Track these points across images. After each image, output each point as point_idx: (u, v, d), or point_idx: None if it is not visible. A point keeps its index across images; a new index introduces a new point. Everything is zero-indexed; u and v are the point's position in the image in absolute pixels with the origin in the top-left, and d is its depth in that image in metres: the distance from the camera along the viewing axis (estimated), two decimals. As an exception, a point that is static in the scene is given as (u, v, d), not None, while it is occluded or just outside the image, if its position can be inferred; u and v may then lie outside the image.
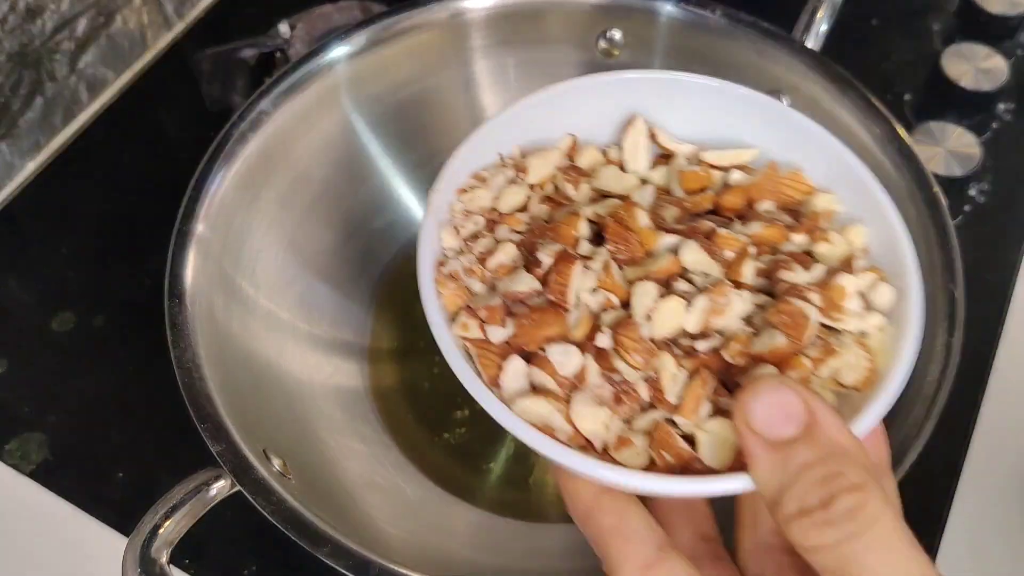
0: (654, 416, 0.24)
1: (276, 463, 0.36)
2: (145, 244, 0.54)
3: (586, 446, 0.24)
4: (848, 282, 0.25)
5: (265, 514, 0.33)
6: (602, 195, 0.29)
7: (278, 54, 0.59)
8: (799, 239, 0.26)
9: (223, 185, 0.42)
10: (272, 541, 0.42)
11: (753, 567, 0.25)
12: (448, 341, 0.24)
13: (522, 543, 0.42)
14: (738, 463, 0.23)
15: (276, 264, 0.45)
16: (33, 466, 0.46)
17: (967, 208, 0.54)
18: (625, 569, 0.23)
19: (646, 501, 0.25)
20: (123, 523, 0.44)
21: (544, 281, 0.25)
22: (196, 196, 0.41)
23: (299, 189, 0.47)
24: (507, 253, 0.26)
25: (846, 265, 0.26)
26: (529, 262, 0.26)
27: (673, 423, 0.24)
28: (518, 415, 0.23)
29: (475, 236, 0.27)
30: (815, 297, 0.24)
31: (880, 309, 0.25)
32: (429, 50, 0.48)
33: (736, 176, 0.29)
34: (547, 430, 0.23)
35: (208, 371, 0.37)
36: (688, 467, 0.23)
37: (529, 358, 0.24)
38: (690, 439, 0.23)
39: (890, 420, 0.36)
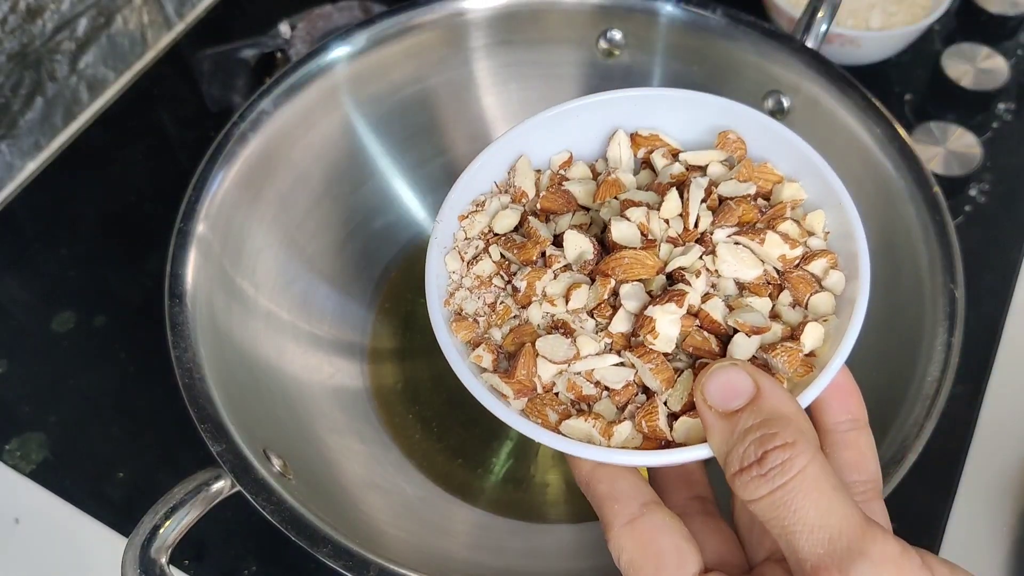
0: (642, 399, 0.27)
1: (276, 463, 0.36)
2: (145, 244, 0.54)
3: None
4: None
5: (265, 514, 0.33)
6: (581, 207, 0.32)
7: (278, 54, 0.59)
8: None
9: (223, 185, 0.42)
10: (272, 541, 0.42)
11: (744, 519, 0.28)
12: (463, 368, 0.28)
13: (522, 543, 0.42)
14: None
15: (276, 264, 0.45)
16: (33, 466, 0.46)
17: (967, 208, 0.54)
18: (614, 526, 0.26)
19: (649, 471, 0.28)
20: (123, 523, 0.44)
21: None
22: (196, 196, 0.41)
23: (299, 189, 0.47)
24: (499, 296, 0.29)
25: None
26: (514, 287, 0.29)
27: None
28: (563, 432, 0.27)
29: (475, 259, 0.30)
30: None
31: (831, 290, 0.28)
32: (429, 50, 0.48)
33: (714, 169, 0.31)
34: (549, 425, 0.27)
35: (208, 371, 0.37)
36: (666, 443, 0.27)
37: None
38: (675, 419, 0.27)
39: (890, 420, 0.36)
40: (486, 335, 0.29)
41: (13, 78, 0.54)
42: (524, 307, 0.29)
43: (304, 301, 0.46)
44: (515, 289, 0.29)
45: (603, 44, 0.49)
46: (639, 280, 0.28)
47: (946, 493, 0.44)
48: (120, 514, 0.45)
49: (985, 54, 0.59)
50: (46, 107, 0.57)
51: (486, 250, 0.30)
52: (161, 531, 0.32)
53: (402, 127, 0.50)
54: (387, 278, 0.51)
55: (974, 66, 0.59)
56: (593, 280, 0.28)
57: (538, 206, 0.31)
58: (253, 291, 0.43)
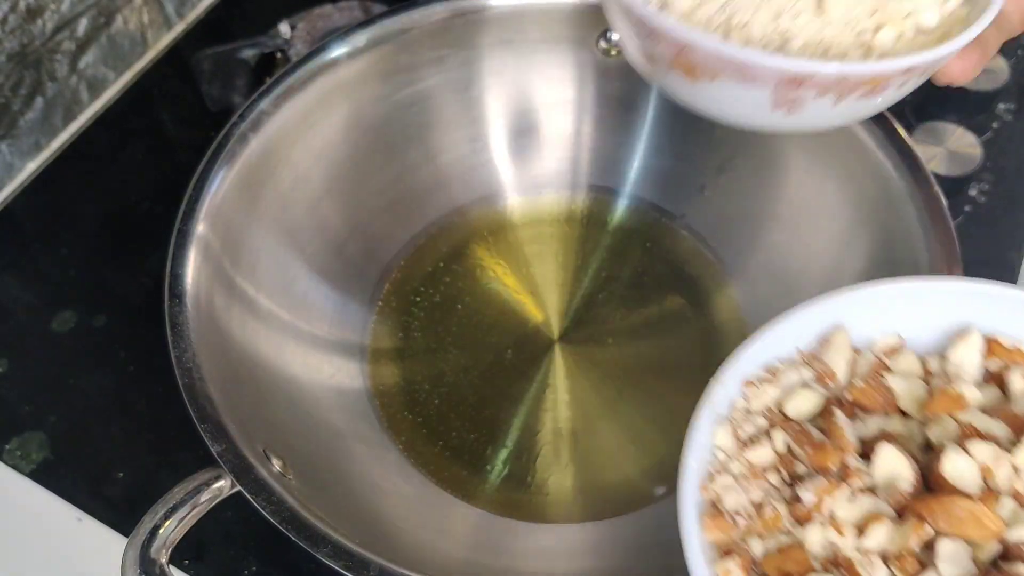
0: None
1: (276, 463, 0.36)
2: (145, 244, 0.54)
3: None
4: None
5: (265, 514, 0.33)
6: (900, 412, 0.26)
7: (278, 54, 0.59)
8: None
9: (223, 185, 0.42)
10: (272, 541, 0.42)
11: None
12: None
13: (522, 543, 0.42)
14: None
15: (276, 264, 0.45)
16: (33, 466, 0.46)
17: (967, 208, 0.54)
18: None
19: None
20: (123, 523, 0.44)
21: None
22: (196, 196, 0.41)
23: (299, 189, 0.47)
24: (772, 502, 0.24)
25: None
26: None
27: None
28: None
29: (752, 440, 0.25)
30: None
31: None
32: (429, 50, 0.48)
33: None
34: None
35: (208, 371, 0.37)
36: None
37: None
38: None
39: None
40: (743, 542, 0.24)
41: (13, 78, 0.54)
42: (801, 524, 0.23)
43: (304, 301, 0.46)
44: (796, 498, 0.23)
45: (603, 44, 0.49)
46: (966, 541, 0.22)
47: (946, 493, 0.44)
48: (120, 514, 0.45)
49: (985, 54, 0.59)
50: (46, 107, 0.57)
51: (768, 433, 0.25)
52: (161, 531, 0.32)
53: (402, 127, 0.50)
54: (387, 278, 0.51)
55: (974, 66, 0.58)
56: (901, 517, 0.23)
57: (847, 395, 0.26)
58: (253, 291, 0.43)
